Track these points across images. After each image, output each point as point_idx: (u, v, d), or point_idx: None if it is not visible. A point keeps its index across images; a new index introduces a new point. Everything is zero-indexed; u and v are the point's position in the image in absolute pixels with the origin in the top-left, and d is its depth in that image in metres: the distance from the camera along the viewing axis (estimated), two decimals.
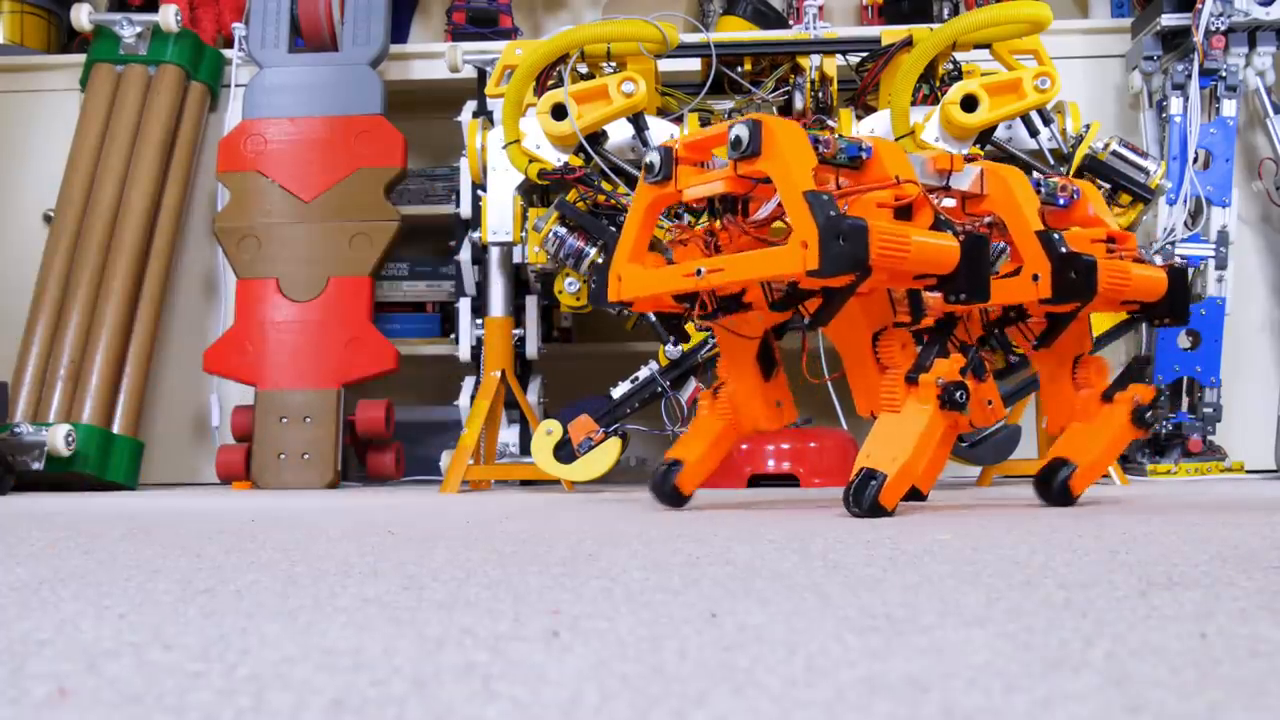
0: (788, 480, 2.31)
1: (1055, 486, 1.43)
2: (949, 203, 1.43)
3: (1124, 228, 2.13)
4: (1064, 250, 1.36)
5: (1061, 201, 1.51)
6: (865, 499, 1.26)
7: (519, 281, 2.44)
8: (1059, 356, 1.50)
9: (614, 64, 2.19)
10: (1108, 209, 1.52)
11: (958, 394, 1.28)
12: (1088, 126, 2.15)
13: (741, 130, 1.25)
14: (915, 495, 1.57)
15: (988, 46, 2.16)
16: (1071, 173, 2.11)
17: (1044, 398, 1.52)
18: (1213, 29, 2.40)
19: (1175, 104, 2.45)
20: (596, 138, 2.06)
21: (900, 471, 1.26)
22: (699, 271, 1.31)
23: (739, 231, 1.35)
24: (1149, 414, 1.46)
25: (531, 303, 2.48)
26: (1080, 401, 1.49)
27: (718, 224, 1.37)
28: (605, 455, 2.07)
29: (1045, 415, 1.53)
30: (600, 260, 1.92)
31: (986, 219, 1.42)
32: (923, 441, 1.28)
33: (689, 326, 1.71)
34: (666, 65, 2.28)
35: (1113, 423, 1.46)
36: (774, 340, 1.47)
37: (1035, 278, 1.37)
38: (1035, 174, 1.66)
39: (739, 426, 1.48)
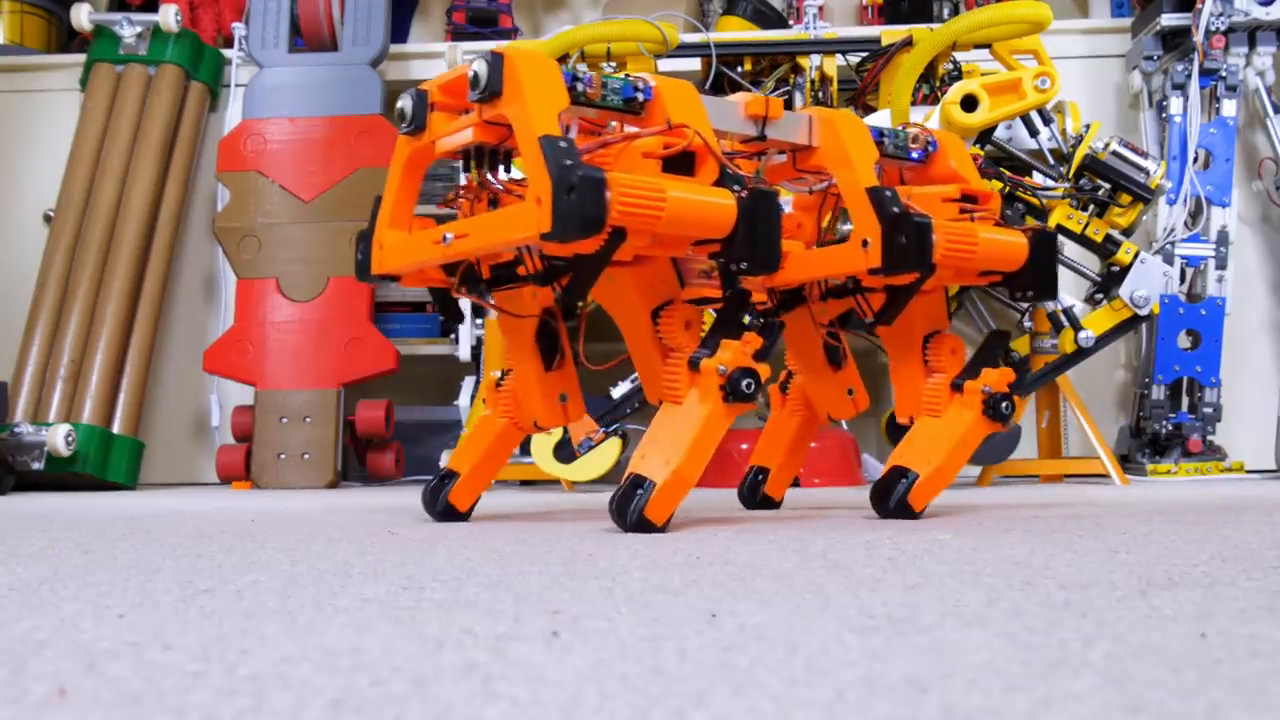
0: None
1: (892, 503, 1.24)
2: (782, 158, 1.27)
3: (1124, 228, 2.13)
4: (895, 211, 1.16)
5: (915, 155, 1.32)
6: (630, 511, 1.07)
7: None
8: (907, 335, 1.31)
9: (614, 64, 2.19)
10: (971, 163, 1.34)
11: (744, 383, 1.08)
12: (1088, 126, 2.16)
13: (480, 66, 1.06)
14: (768, 503, 1.45)
15: (988, 46, 2.16)
16: (1071, 172, 2.11)
17: (893, 383, 1.35)
18: (1213, 29, 2.40)
19: (1175, 104, 2.45)
20: None
21: (672, 477, 1.07)
22: (445, 237, 1.12)
23: (502, 191, 1.14)
24: (1004, 404, 1.25)
25: None
26: (928, 391, 1.29)
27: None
28: (605, 455, 2.07)
29: (895, 403, 1.35)
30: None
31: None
32: (701, 440, 1.08)
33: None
34: (667, 65, 2.29)
35: (962, 418, 1.26)
36: (560, 322, 1.27)
37: (865, 243, 1.17)
38: (883, 124, 1.51)
39: (520, 422, 1.29)
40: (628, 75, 1.13)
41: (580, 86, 1.09)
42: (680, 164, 1.07)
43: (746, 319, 1.16)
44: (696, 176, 1.07)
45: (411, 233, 1.20)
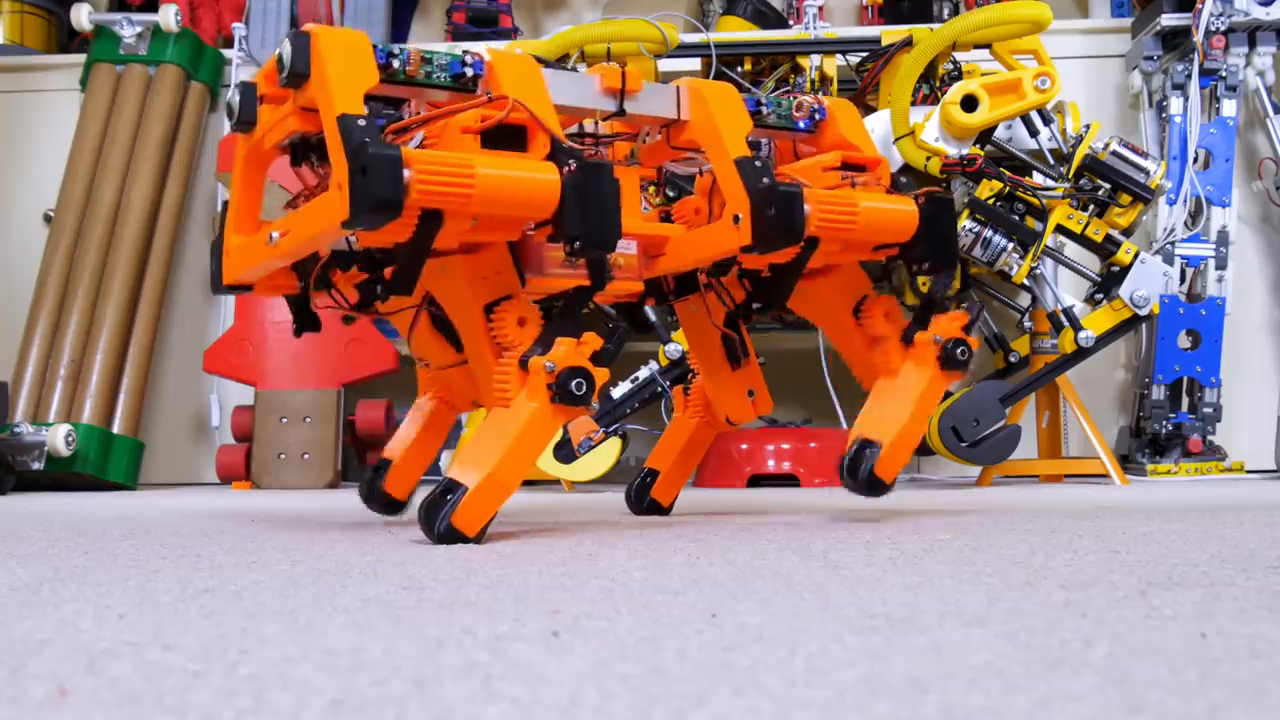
0: (788, 480, 2.31)
1: (861, 477, 1.16)
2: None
3: (1124, 228, 2.13)
4: (764, 182, 1.08)
5: (801, 125, 1.22)
6: (438, 519, 0.97)
7: None
8: (834, 311, 1.24)
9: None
10: (865, 130, 1.24)
11: (573, 383, 0.98)
12: (1088, 126, 2.16)
13: (285, 47, 0.97)
14: (657, 509, 1.38)
15: (988, 46, 2.16)
16: (1071, 173, 2.11)
17: (844, 358, 1.27)
18: (1213, 29, 2.40)
19: (1175, 104, 2.45)
20: None
21: (484, 484, 0.98)
22: (271, 236, 1.04)
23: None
24: (959, 350, 1.18)
25: None
26: (880, 355, 1.22)
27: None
28: (605, 455, 2.07)
29: (855, 374, 1.27)
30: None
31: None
32: (521, 443, 0.99)
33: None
34: (667, 65, 2.29)
35: (920, 374, 1.19)
36: (437, 313, 1.19)
37: (736, 219, 1.09)
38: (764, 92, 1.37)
39: (457, 407, 1.25)
40: (464, 51, 1.06)
41: (397, 64, 1.01)
42: (516, 141, 0.99)
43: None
44: (528, 152, 0.99)
45: (254, 236, 1.10)
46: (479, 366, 1.07)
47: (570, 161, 0.97)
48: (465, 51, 1.05)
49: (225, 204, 1.14)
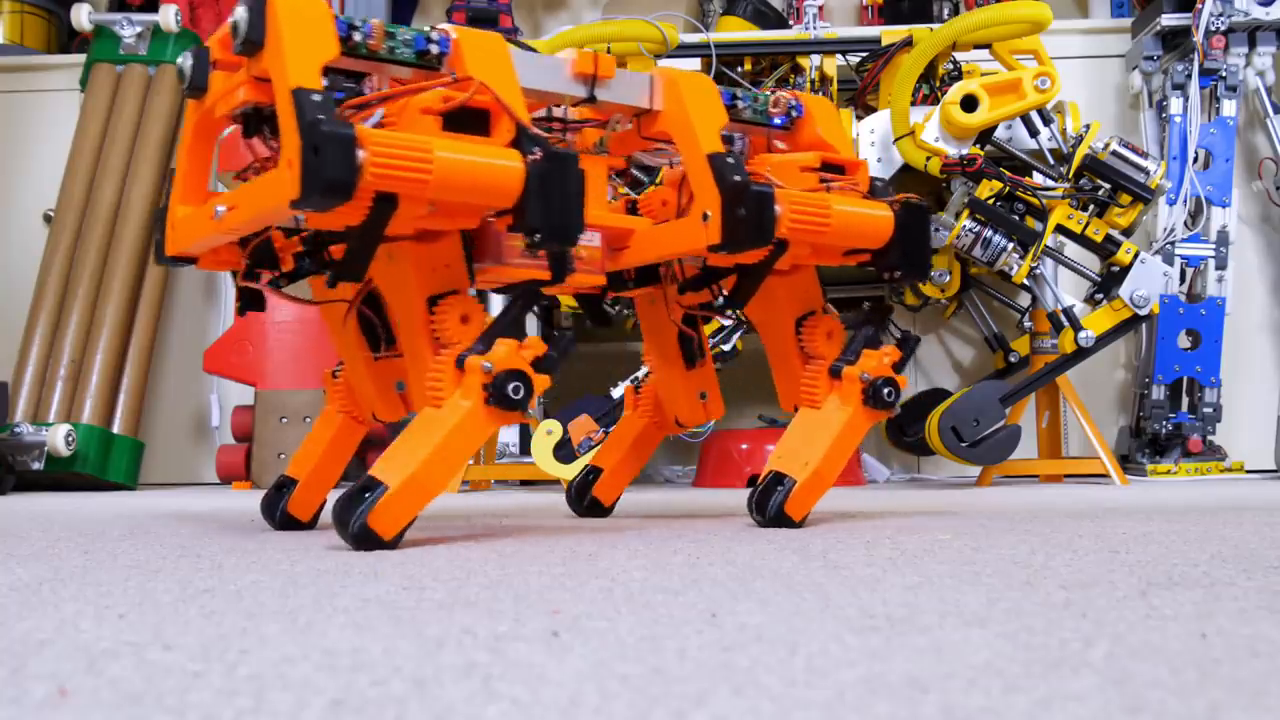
0: None
1: (770, 513, 1.12)
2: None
3: (1124, 228, 2.13)
4: (736, 180, 1.04)
5: (777, 121, 1.20)
6: (351, 517, 0.92)
7: None
8: (777, 320, 1.20)
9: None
10: (843, 130, 1.22)
11: (510, 386, 0.94)
12: (1088, 126, 2.16)
13: (240, 12, 0.92)
14: (598, 508, 1.34)
15: (988, 46, 2.16)
16: (1071, 173, 2.11)
17: (772, 369, 1.23)
18: (1213, 29, 2.40)
19: (1175, 104, 2.45)
20: None
21: (406, 484, 0.93)
22: (217, 211, 0.99)
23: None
24: (886, 391, 1.13)
25: None
26: (805, 379, 1.17)
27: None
28: None
29: (778, 394, 1.23)
30: None
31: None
32: (450, 444, 0.94)
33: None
34: (666, 65, 2.28)
35: (842, 411, 1.14)
36: (366, 312, 1.15)
37: (705, 217, 1.06)
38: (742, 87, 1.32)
39: (358, 415, 1.19)
40: (431, 27, 1.01)
41: (359, 37, 0.96)
42: (479, 125, 0.95)
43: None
44: (492, 137, 0.95)
45: (201, 207, 1.05)
46: (413, 360, 1.02)
47: (535, 149, 0.93)
48: (432, 27, 1.01)
49: (172, 172, 1.10)
